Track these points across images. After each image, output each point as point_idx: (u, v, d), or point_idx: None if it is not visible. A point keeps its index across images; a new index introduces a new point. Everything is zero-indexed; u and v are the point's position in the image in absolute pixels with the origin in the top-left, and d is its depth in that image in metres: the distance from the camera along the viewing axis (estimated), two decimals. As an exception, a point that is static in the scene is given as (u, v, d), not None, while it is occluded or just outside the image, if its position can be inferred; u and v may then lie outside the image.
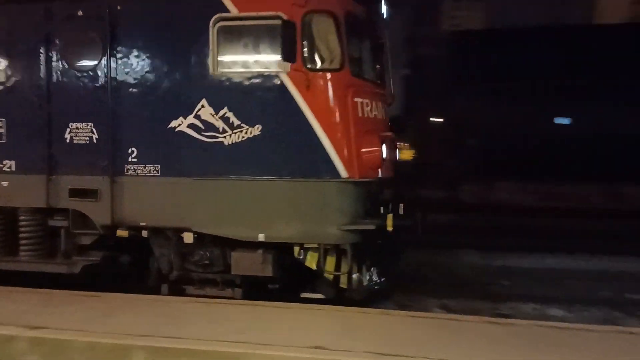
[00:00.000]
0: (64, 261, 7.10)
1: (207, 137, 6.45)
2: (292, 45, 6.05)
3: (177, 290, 6.90)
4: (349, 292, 6.57)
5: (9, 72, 7.07)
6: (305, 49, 6.21)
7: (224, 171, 6.44)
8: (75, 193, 6.86)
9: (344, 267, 6.36)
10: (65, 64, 6.91)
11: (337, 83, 6.29)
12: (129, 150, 6.69)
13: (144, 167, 6.66)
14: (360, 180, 6.30)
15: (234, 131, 6.36)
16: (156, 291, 6.94)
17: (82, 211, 6.88)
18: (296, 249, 6.47)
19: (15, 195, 7.07)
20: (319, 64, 6.32)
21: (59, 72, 6.93)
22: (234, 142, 6.36)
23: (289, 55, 6.04)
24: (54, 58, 6.93)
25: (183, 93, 6.55)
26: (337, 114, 6.26)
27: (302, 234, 6.34)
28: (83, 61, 6.89)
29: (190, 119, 6.48)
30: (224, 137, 6.39)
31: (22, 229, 7.15)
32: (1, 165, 7.09)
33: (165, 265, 6.92)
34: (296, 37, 6.09)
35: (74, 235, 7.04)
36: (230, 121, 6.37)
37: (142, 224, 6.71)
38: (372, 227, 6.32)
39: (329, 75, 6.26)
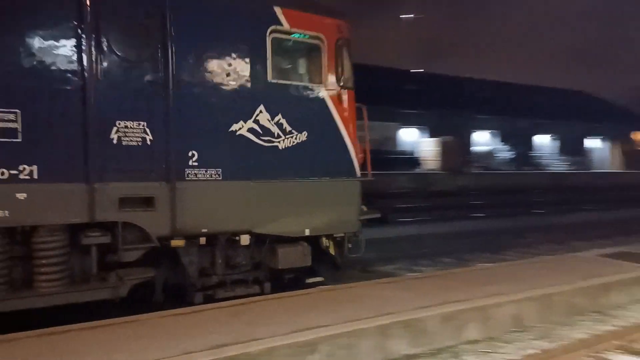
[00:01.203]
0: (104, 285, 5.80)
1: (264, 141, 6.68)
2: (339, 64, 7.27)
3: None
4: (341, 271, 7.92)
5: (28, 51, 5.30)
6: (339, 69, 7.29)
7: (279, 173, 6.80)
8: (126, 203, 5.74)
9: (354, 250, 7.61)
10: (110, 50, 5.67)
11: (353, 99, 7.52)
12: (190, 154, 6.12)
13: (206, 171, 6.24)
14: (364, 178, 7.64)
15: (287, 136, 6.85)
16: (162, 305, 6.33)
17: (136, 223, 5.83)
18: (324, 239, 7.39)
19: (38, 211, 5.32)
20: (343, 82, 7.35)
21: (102, 59, 5.63)
22: (286, 146, 6.84)
23: (336, 73, 7.30)
24: (95, 41, 5.58)
25: (243, 97, 6.55)
26: (353, 124, 7.48)
27: (335, 226, 7.33)
28: (134, 50, 5.82)
29: (250, 124, 6.56)
30: (279, 141, 6.79)
31: (44, 252, 5.47)
32: (16, 172, 5.20)
33: (196, 272, 6.50)
34: (336, 57, 7.27)
35: (115, 252, 5.84)
36: (284, 127, 6.82)
37: (203, 230, 6.27)
38: (378, 215, 8.01)
39: (349, 93, 7.44)
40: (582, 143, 46.66)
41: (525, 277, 7.35)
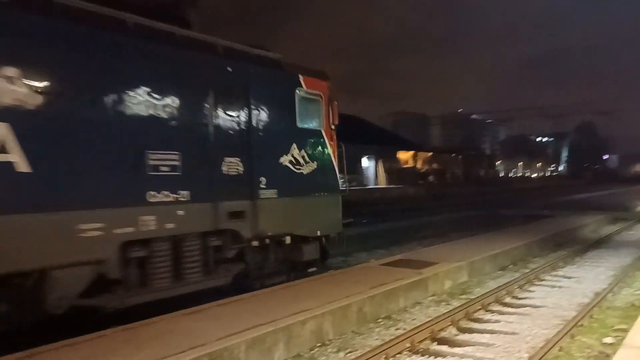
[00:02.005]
0: (220, 274, 8.06)
1: (296, 169, 9.34)
2: (330, 113, 10.25)
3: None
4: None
5: (182, 111, 7.47)
6: (331, 116, 10.27)
7: (304, 191, 9.50)
8: (232, 215, 8.04)
9: (340, 246, 10.74)
10: (221, 109, 8.06)
11: (335, 136, 10.47)
12: (260, 179, 8.54)
13: (269, 192, 8.64)
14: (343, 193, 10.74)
15: (306, 165, 9.56)
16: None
17: (235, 229, 8.14)
18: (323, 238, 10.05)
19: (189, 223, 7.45)
20: (332, 125, 10.33)
21: (217, 115, 7.98)
22: (306, 172, 9.56)
23: (329, 119, 10.28)
24: (214, 103, 7.94)
25: (285, 138, 9.20)
26: (337, 154, 10.47)
27: (331, 228, 10.19)
28: (233, 109, 8.26)
29: (289, 157, 9.18)
30: (303, 169, 9.48)
31: (191, 253, 7.54)
32: (177, 196, 7.28)
33: (254, 266, 8.62)
34: (328, 108, 10.21)
35: (221, 251, 8.08)
36: (305, 158, 9.54)
37: (269, 234, 8.72)
38: (352, 220, 10.99)
39: (334, 132, 10.42)
40: (358, 162, 51.70)
41: (322, 291, 7.72)
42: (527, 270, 10.92)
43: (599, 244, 15.12)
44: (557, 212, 24.85)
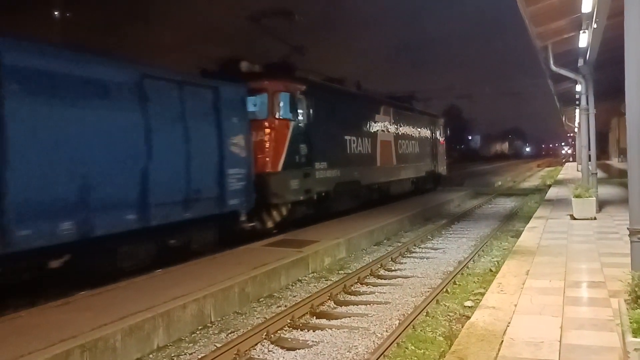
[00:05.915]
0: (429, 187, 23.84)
1: (432, 154, 23.96)
2: None
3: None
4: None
5: (428, 135, 23.45)
6: None
7: (442, 158, 25.83)
8: (435, 166, 24.03)
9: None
10: (433, 133, 24.18)
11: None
12: (436, 156, 24.36)
13: (435, 160, 24.21)
14: None
15: (437, 151, 25.16)
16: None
17: (434, 170, 24.02)
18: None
19: (431, 169, 23.40)
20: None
21: (429, 134, 23.52)
22: (441, 152, 26.00)
23: None
24: (430, 131, 23.88)
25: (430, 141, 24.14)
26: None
27: (444, 171, 26.80)
28: (431, 133, 23.93)
29: (427, 149, 23.19)
30: (436, 154, 24.72)
31: (423, 179, 22.58)
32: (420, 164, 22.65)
33: (437, 184, 25.15)
34: None
35: (429, 178, 23.83)
36: (438, 150, 25.14)
37: (436, 172, 24.41)
38: None
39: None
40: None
41: (203, 274, 7.64)
42: (399, 244, 11.67)
43: (463, 217, 16.53)
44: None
